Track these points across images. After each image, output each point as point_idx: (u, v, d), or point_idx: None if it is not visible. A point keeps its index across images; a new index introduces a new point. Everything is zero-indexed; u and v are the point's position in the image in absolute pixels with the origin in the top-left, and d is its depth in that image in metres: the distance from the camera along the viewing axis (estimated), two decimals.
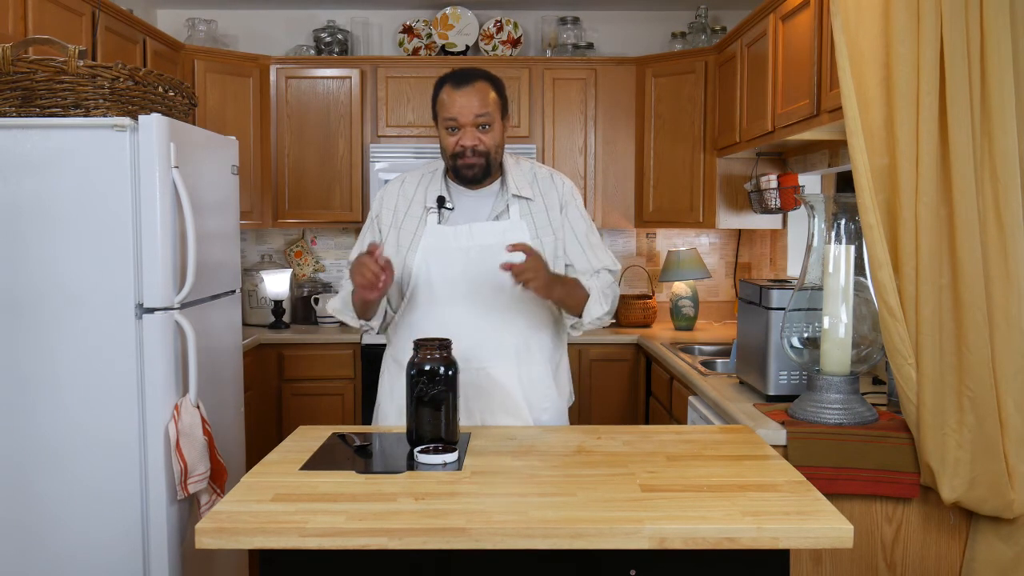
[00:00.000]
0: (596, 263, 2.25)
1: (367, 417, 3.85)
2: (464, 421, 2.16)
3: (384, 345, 2.37)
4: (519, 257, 1.96)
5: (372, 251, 1.97)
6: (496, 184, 2.24)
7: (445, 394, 1.81)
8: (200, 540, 1.43)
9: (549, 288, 2.02)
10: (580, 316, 2.19)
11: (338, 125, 4.15)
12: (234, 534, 1.43)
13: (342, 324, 4.21)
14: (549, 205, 2.23)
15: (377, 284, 1.97)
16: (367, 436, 1.96)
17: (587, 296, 2.17)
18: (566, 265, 2.25)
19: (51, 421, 2.27)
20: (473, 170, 2.14)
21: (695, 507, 1.51)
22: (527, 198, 2.21)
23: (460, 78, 2.13)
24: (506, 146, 2.24)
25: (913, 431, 2.06)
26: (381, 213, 2.28)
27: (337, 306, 2.25)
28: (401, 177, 2.32)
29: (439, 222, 2.20)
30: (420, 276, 2.18)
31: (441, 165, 2.26)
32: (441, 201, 2.20)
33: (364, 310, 2.19)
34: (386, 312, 2.27)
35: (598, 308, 2.17)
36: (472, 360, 2.12)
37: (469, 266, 2.16)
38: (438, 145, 2.23)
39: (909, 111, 1.96)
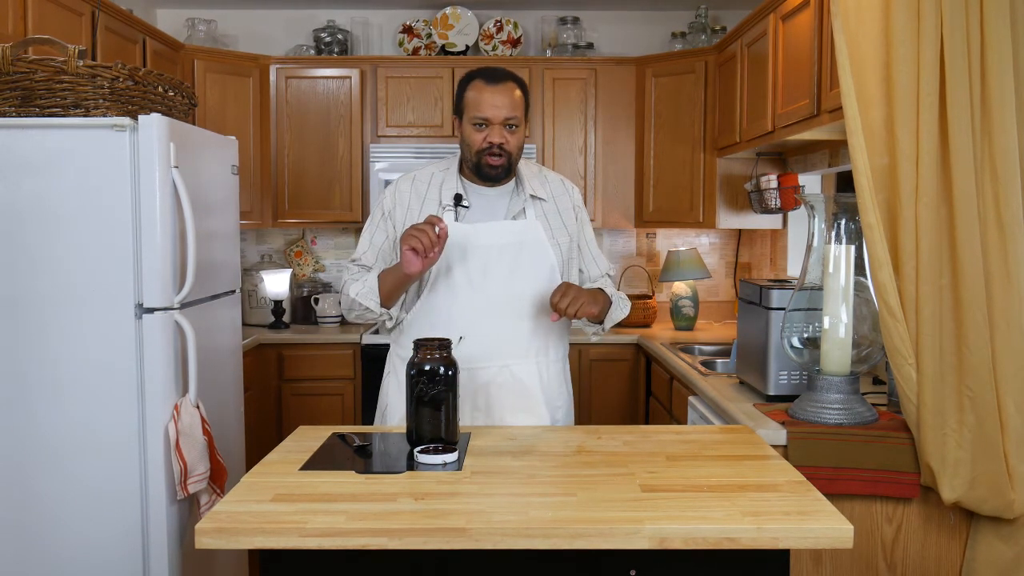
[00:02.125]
0: (603, 268, 2.36)
1: (367, 417, 3.85)
2: (484, 420, 2.17)
3: (386, 345, 2.37)
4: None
5: (432, 221, 1.97)
6: (510, 184, 2.25)
7: (445, 394, 1.81)
8: (200, 540, 1.43)
9: (592, 305, 2.08)
10: (602, 323, 2.25)
11: (338, 125, 4.15)
12: (234, 534, 1.43)
13: (342, 323, 4.25)
14: (562, 208, 2.27)
15: (428, 252, 1.96)
16: (367, 436, 1.96)
17: (610, 303, 2.23)
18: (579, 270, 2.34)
19: (51, 421, 2.26)
20: (496, 170, 2.15)
21: (695, 507, 1.51)
22: (542, 199, 2.24)
23: (492, 76, 2.13)
24: None
25: (913, 431, 2.06)
26: (395, 210, 2.25)
27: (361, 290, 2.17)
28: (411, 175, 2.29)
29: (456, 220, 2.19)
30: (440, 274, 2.17)
31: (454, 163, 2.26)
32: (458, 199, 2.20)
33: (392, 294, 2.15)
34: (401, 305, 2.26)
35: (620, 313, 2.27)
36: (494, 358, 2.15)
37: (489, 264, 2.16)
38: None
39: (909, 111, 1.96)
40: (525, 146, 4.03)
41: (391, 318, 2.23)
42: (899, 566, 2.15)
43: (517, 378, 2.19)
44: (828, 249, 2.14)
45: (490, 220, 2.20)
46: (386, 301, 2.17)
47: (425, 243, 1.95)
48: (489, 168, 2.15)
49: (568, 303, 2.02)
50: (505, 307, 2.16)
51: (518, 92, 2.14)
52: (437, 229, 1.97)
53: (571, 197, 2.31)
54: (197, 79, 3.88)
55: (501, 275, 2.17)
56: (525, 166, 2.28)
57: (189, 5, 4.33)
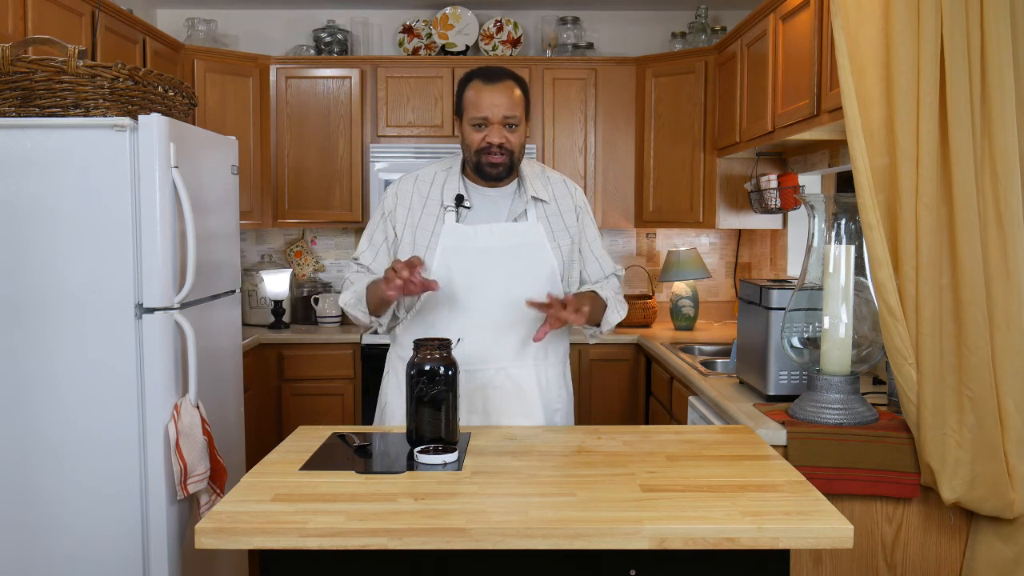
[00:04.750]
0: (608, 269, 2.34)
1: (367, 417, 3.85)
2: (480, 422, 2.16)
3: (386, 345, 2.37)
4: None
5: (415, 264, 1.95)
6: (512, 185, 2.24)
7: (445, 394, 1.81)
8: (200, 540, 1.43)
9: (586, 312, 2.05)
10: (599, 326, 2.25)
11: (338, 125, 4.15)
12: (234, 534, 1.43)
13: (342, 323, 4.25)
14: (564, 209, 2.26)
15: (412, 292, 1.96)
16: (367, 436, 1.96)
17: (605, 306, 2.23)
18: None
19: (51, 421, 2.26)
20: (498, 168, 2.14)
21: (695, 507, 1.51)
22: (543, 200, 2.23)
23: (490, 75, 2.13)
24: None
25: (913, 431, 2.06)
26: (396, 210, 2.24)
27: (349, 300, 2.21)
28: (414, 174, 2.29)
29: (457, 221, 2.19)
30: (440, 276, 2.16)
31: (457, 163, 2.26)
32: (460, 199, 2.19)
33: (378, 307, 2.17)
34: (394, 313, 2.26)
35: (616, 316, 2.26)
36: (492, 361, 2.14)
37: (489, 266, 2.16)
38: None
39: (909, 111, 1.96)
40: (526, 146, 4.06)
41: (381, 326, 2.24)
42: (899, 566, 2.15)
43: (514, 381, 2.18)
44: (828, 249, 2.14)
45: (491, 221, 2.19)
46: (375, 311, 2.19)
47: (402, 286, 1.94)
48: (490, 167, 2.14)
49: (566, 315, 1.98)
50: (504, 310, 2.15)
51: (517, 91, 2.14)
52: (419, 276, 1.95)
53: (573, 198, 2.29)
54: (197, 79, 3.88)
55: (500, 278, 2.16)
56: (528, 166, 2.27)
57: (189, 5, 4.33)
